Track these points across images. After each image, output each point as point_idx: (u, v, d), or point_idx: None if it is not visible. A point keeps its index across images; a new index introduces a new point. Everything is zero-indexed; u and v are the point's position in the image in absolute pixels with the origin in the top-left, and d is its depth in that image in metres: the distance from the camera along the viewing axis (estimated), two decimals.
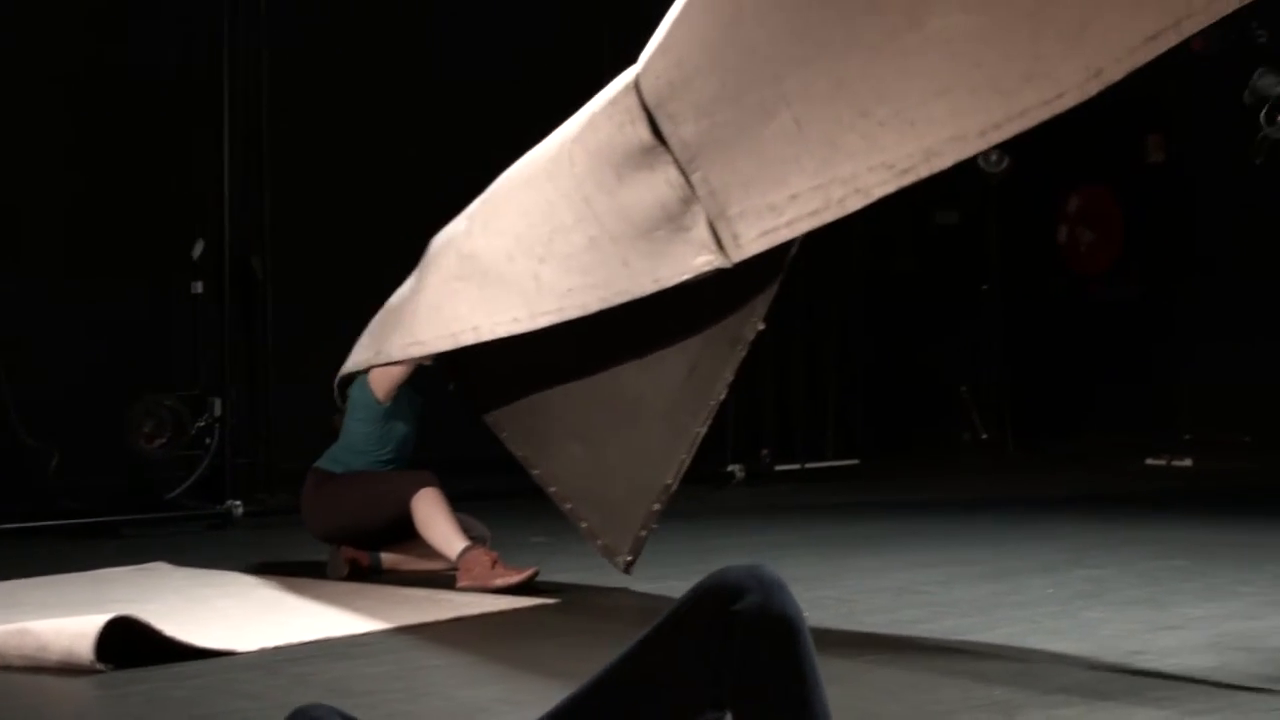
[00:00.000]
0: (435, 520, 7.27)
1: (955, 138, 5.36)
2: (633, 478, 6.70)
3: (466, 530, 7.32)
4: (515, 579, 7.04)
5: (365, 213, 10.36)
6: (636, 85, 5.93)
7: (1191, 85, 13.74)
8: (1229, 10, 4.92)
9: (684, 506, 10.38)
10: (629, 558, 6.81)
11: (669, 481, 6.61)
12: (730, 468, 12.03)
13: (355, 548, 7.60)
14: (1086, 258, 15.28)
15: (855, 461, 13.49)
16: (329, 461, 7.66)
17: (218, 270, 10.11)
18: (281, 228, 10.45)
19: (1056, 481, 12.26)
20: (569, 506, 6.90)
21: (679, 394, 6.58)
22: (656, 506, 6.67)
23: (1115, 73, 5.08)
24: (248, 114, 10.29)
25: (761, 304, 6.39)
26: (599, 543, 6.87)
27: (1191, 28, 4.97)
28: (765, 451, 12.69)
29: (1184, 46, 12.54)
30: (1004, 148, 13.54)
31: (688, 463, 6.60)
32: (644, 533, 6.73)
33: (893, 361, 14.43)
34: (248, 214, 10.27)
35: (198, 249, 10.07)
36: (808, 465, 12.95)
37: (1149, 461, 13.01)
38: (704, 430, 6.57)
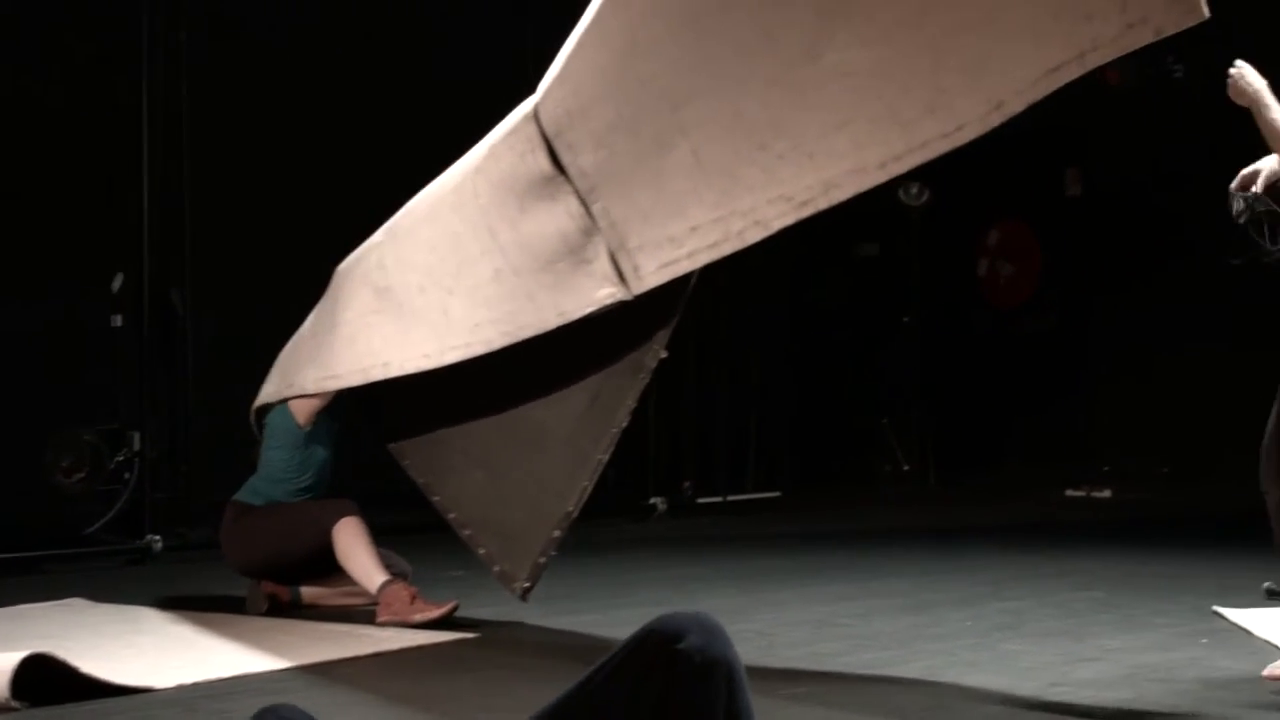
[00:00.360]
0: (356, 551, 7.26)
1: (855, 170, 5.38)
2: (534, 505, 6.72)
3: (387, 565, 7.30)
4: (435, 614, 7.02)
5: (285, 245, 10.33)
6: (536, 114, 5.94)
7: (1109, 118, 13.85)
8: (1135, 46, 4.97)
9: (605, 539, 10.42)
10: (527, 584, 6.81)
11: (570, 509, 6.62)
12: (652, 500, 12.04)
13: (276, 581, 7.56)
14: (1006, 290, 15.37)
15: (777, 494, 13.52)
16: (248, 494, 7.62)
17: (137, 303, 10.05)
18: (201, 261, 10.41)
19: (976, 513, 12.30)
20: (468, 533, 6.92)
21: (581, 422, 6.60)
22: (557, 533, 6.68)
23: (1016, 105, 5.12)
24: (167, 146, 10.25)
25: (663, 332, 6.39)
26: (496, 569, 6.88)
27: (1096, 60, 5.01)
28: (687, 484, 12.72)
29: (1101, 80, 12.70)
30: (924, 181, 13.70)
31: (589, 490, 6.61)
32: (543, 559, 6.74)
33: (814, 394, 14.49)
34: (167, 247, 10.22)
35: (117, 282, 10.02)
36: (730, 498, 12.98)
37: (1068, 493, 13.09)
38: (606, 458, 6.57)
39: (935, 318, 14.69)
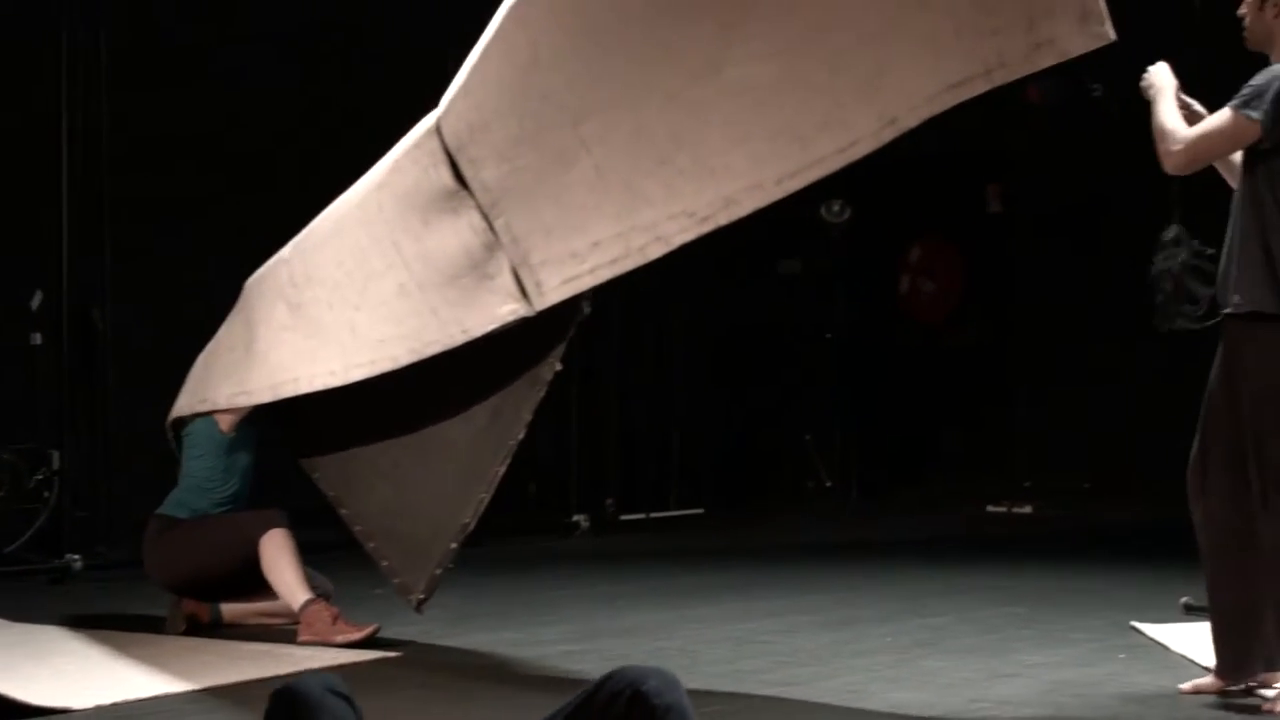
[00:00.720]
0: (281, 565, 7.22)
1: (753, 186, 5.41)
2: (433, 517, 6.74)
3: (310, 584, 7.26)
4: (356, 636, 7.00)
5: (205, 263, 10.25)
6: (438, 128, 5.92)
7: (1029, 136, 13.94)
8: (1041, 66, 5.02)
9: (527, 556, 10.41)
10: (422, 596, 6.83)
11: (467, 520, 6.64)
12: (575, 517, 12.01)
13: (201, 597, 7.50)
14: (928, 307, 15.44)
15: (700, 510, 13.53)
16: (173, 506, 7.56)
17: (56, 321, 9.98)
18: (121, 278, 10.34)
19: (899, 529, 12.36)
20: (372, 545, 6.94)
21: (482, 435, 6.63)
22: (453, 545, 6.70)
23: (910, 120, 5.17)
24: (87, 162, 10.18)
25: (560, 344, 6.41)
26: (396, 581, 6.90)
27: (1003, 77, 5.07)
28: (610, 501, 12.71)
29: (1022, 98, 12.76)
30: (846, 198, 13.74)
31: (486, 501, 6.63)
32: (439, 571, 6.76)
33: (738, 410, 14.51)
34: (87, 264, 10.15)
35: (36, 300, 9.95)
36: (652, 515, 12.98)
37: (990, 508, 13.16)
38: (503, 470, 6.59)
39: (858, 334, 14.72)
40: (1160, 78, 5.51)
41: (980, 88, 5.11)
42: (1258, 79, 5.36)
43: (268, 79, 11.04)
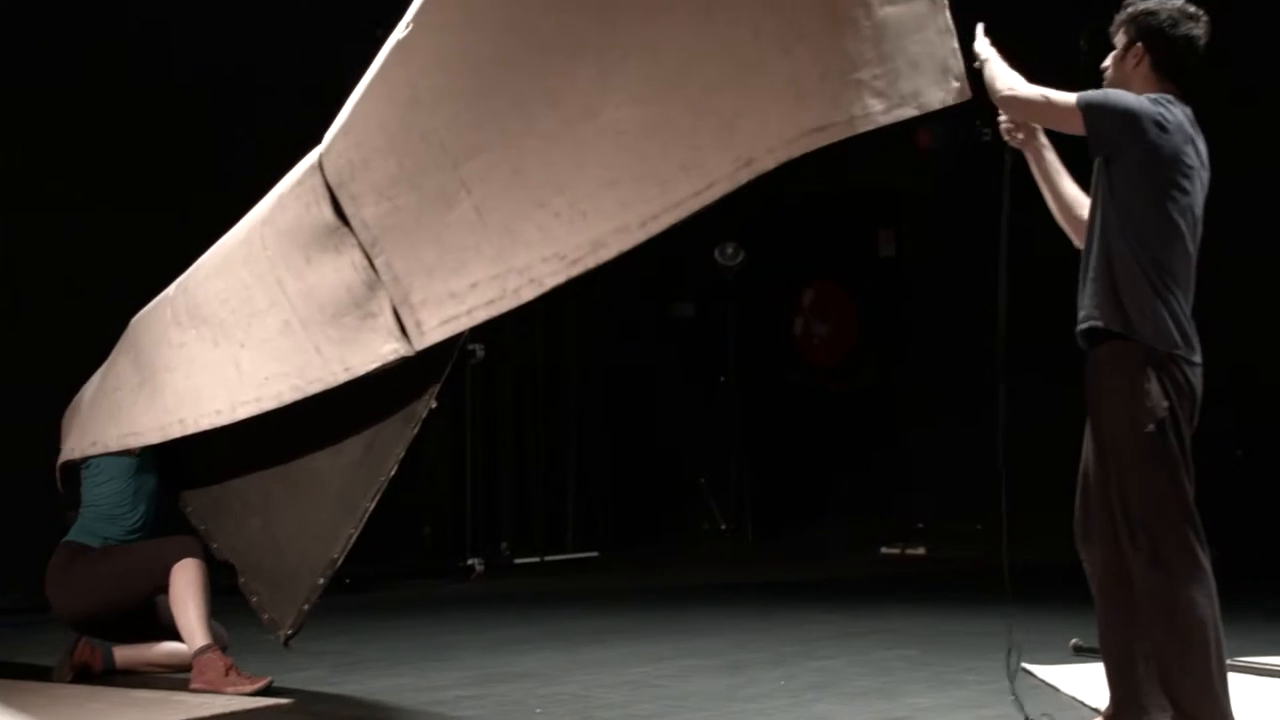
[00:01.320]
0: (188, 599, 7.12)
1: (619, 229, 5.45)
2: (303, 553, 6.75)
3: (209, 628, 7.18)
4: (248, 688, 6.93)
5: (85, 299, 10.14)
6: (320, 165, 5.91)
7: (920, 181, 14.06)
8: (901, 119, 5.09)
9: (422, 600, 10.37)
10: (290, 631, 6.81)
11: (335, 556, 6.65)
12: (470, 561, 12.00)
13: (104, 632, 7.37)
14: (821, 349, 15.54)
15: (595, 554, 13.53)
16: (82, 534, 7.40)
17: None
18: None
19: (793, 571, 12.40)
20: (243, 580, 6.96)
21: (355, 471, 6.64)
22: (321, 581, 6.70)
23: (768, 162, 5.22)
24: None
25: (435, 383, 6.42)
26: (266, 616, 6.89)
27: (866, 125, 5.12)
28: (504, 544, 12.70)
29: (912, 143, 12.88)
30: (740, 242, 13.82)
31: (355, 537, 6.62)
32: (306, 606, 6.76)
33: (633, 453, 14.53)
34: None
35: None
36: (548, 558, 12.97)
37: (884, 550, 13.22)
38: (372, 506, 6.59)
39: (752, 377, 14.79)
40: (984, 48, 5.52)
41: (842, 134, 5.17)
42: (1115, 91, 5.43)
43: (120, 112, 10.94)
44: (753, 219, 13.76)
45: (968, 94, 5.08)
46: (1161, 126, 5.30)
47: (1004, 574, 5.98)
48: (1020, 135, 5.60)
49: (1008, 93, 5.34)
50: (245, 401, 6.28)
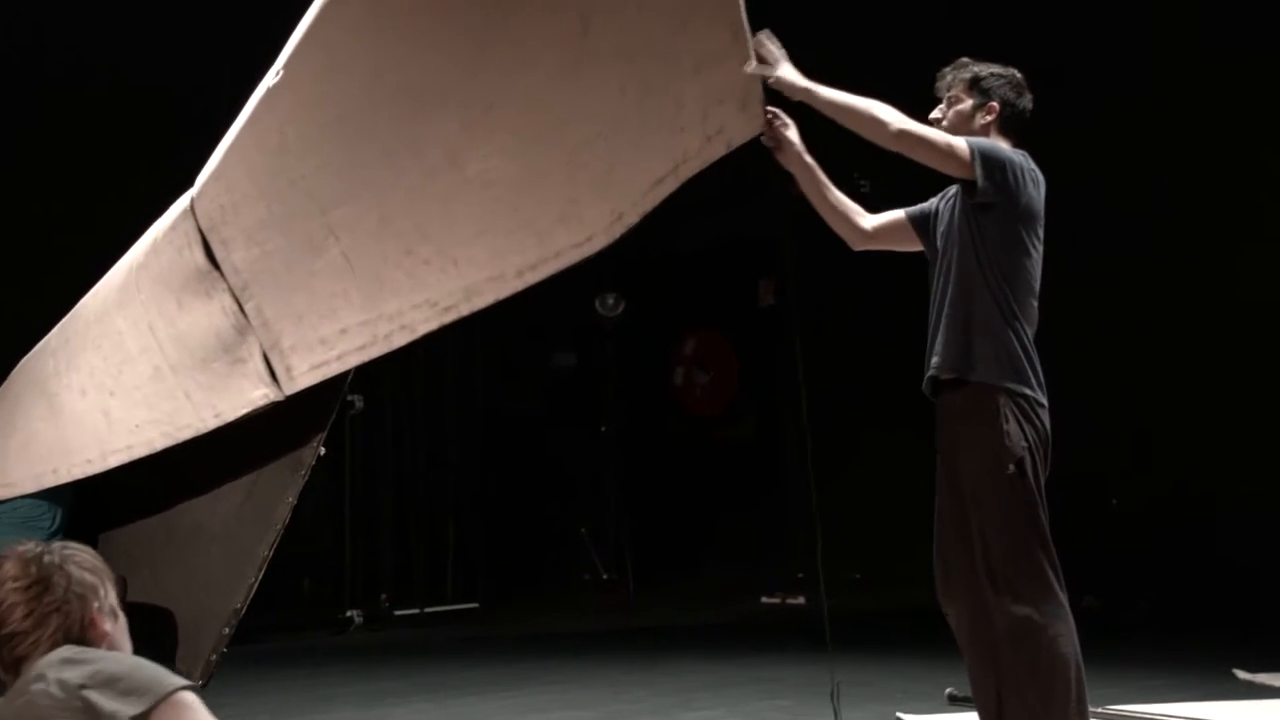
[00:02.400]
0: None
1: (494, 278, 5.49)
2: (199, 604, 6.66)
3: None
4: None
5: None
6: (192, 209, 5.87)
7: (799, 230, 14.14)
8: (715, 158, 5.17)
9: (301, 653, 10.31)
10: (200, 682, 6.74)
11: (238, 605, 6.58)
12: (349, 613, 11.94)
13: None
14: (702, 399, 15.59)
15: (475, 604, 13.50)
16: None
17: None
18: None
19: (674, 620, 12.42)
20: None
21: (239, 519, 6.55)
22: (226, 630, 6.63)
23: (633, 216, 5.29)
24: None
25: (321, 429, 6.38)
26: (176, 666, 6.81)
27: (688, 171, 5.24)
28: (384, 596, 12.65)
29: (794, 193, 12.96)
30: (621, 291, 13.86)
31: (255, 586, 6.56)
32: (214, 657, 6.68)
33: (513, 503, 14.51)
34: None
35: None
36: (427, 609, 12.92)
37: (764, 599, 13.25)
38: (270, 554, 6.53)
39: (633, 427, 14.82)
40: (789, 76, 5.49)
41: (673, 185, 5.27)
42: (995, 143, 5.53)
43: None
44: (633, 269, 13.82)
45: (761, 122, 5.28)
46: (1035, 182, 5.47)
47: (826, 628, 5.99)
48: (782, 153, 5.64)
49: (902, 128, 5.38)
50: (116, 450, 6.22)
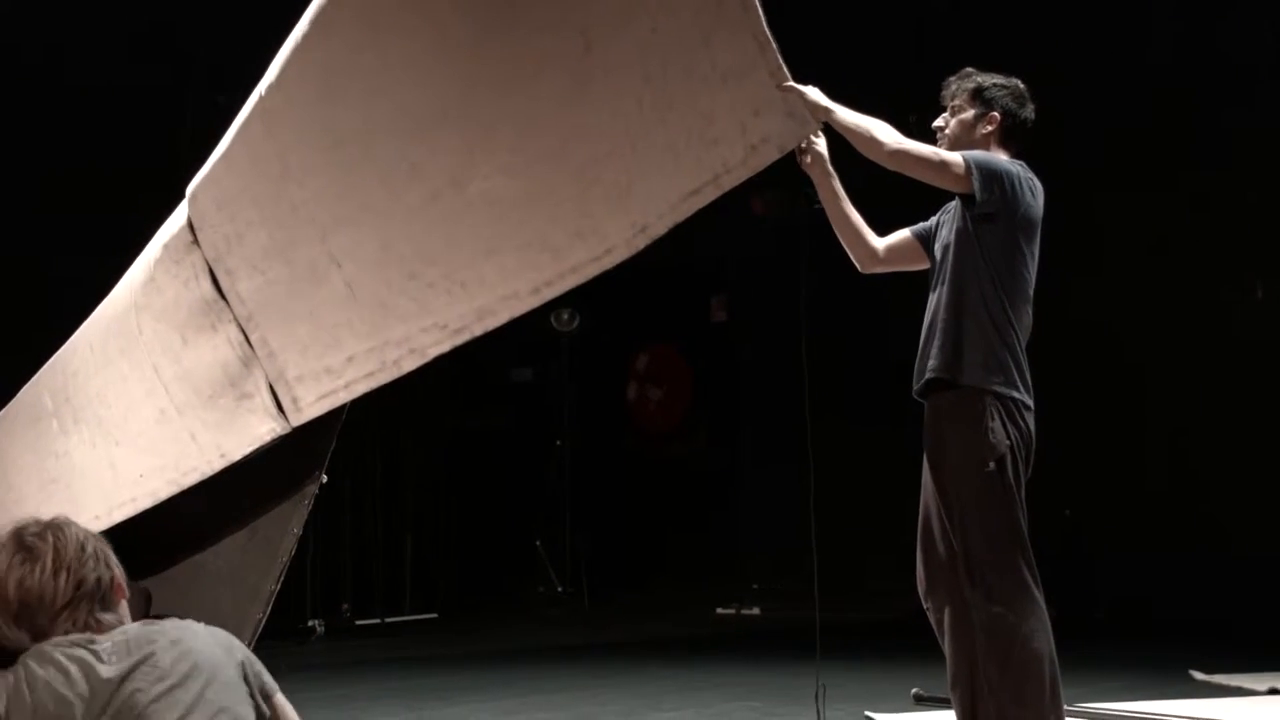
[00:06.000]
0: None
1: (507, 296, 5.45)
2: None
3: None
4: None
5: None
6: (197, 241, 5.82)
7: (753, 247, 14.27)
8: (763, 165, 5.24)
9: (264, 659, 10.32)
10: None
11: (246, 641, 6.55)
12: (310, 623, 11.98)
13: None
14: (655, 414, 15.70)
15: (434, 615, 13.55)
16: None
17: None
18: None
19: (632, 631, 12.50)
20: None
21: (242, 558, 6.43)
22: None
23: (659, 227, 5.33)
24: None
25: (322, 458, 6.31)
26: None
27: (731, 182, 5.25)
28: (345, 606, 12.70)
29: (746, 210, 13.08)
30: (575, 308, 13.96)
31: (263, 621, 6.53)
32: None
33: (470, 516, 14.57)
34: None
35: None
36: (388, 619, 12.98)
37: (719, 610, 13.35)
38: (277, 588, 6.47)
39: (588, 441, 14.91)
40: (816, 95, 5.59)
41: (713, 194, 5.29)
42: (992, 155, 5.68)
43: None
44: (588, 285, 13.86)
45: (816, 128, 5.34)
46: (1032, 191, 5.63)
47: (815, 634, 6.09)
48: (809, 159, 5.75)
49: (897, 147, 5.50)
50: (121, 504, 5.98)
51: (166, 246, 5.94)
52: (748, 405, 15.19)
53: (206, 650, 3.71)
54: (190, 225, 5.85)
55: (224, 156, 5.80)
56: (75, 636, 3.72)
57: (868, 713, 7.45)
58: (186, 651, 3.68)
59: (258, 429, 5.80)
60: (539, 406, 15.05)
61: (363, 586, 13.19)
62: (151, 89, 11.40)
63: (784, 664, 9.91)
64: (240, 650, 3.81)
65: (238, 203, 5.74)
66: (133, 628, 3.77)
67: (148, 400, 5.97)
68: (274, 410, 5.76)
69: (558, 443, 14.70)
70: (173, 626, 3.78)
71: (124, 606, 3.87)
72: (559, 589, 14.28)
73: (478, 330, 5.52)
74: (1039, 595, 5.50)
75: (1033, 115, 5.87)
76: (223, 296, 5.77)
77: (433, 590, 13.96)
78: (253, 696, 3.74)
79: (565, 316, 14.40)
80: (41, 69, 10.98)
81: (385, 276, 5.59)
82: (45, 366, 6.33)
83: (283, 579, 6.43)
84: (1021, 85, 5.89)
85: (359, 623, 12.67)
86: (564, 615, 13.72)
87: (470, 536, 14.49)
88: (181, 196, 5.98)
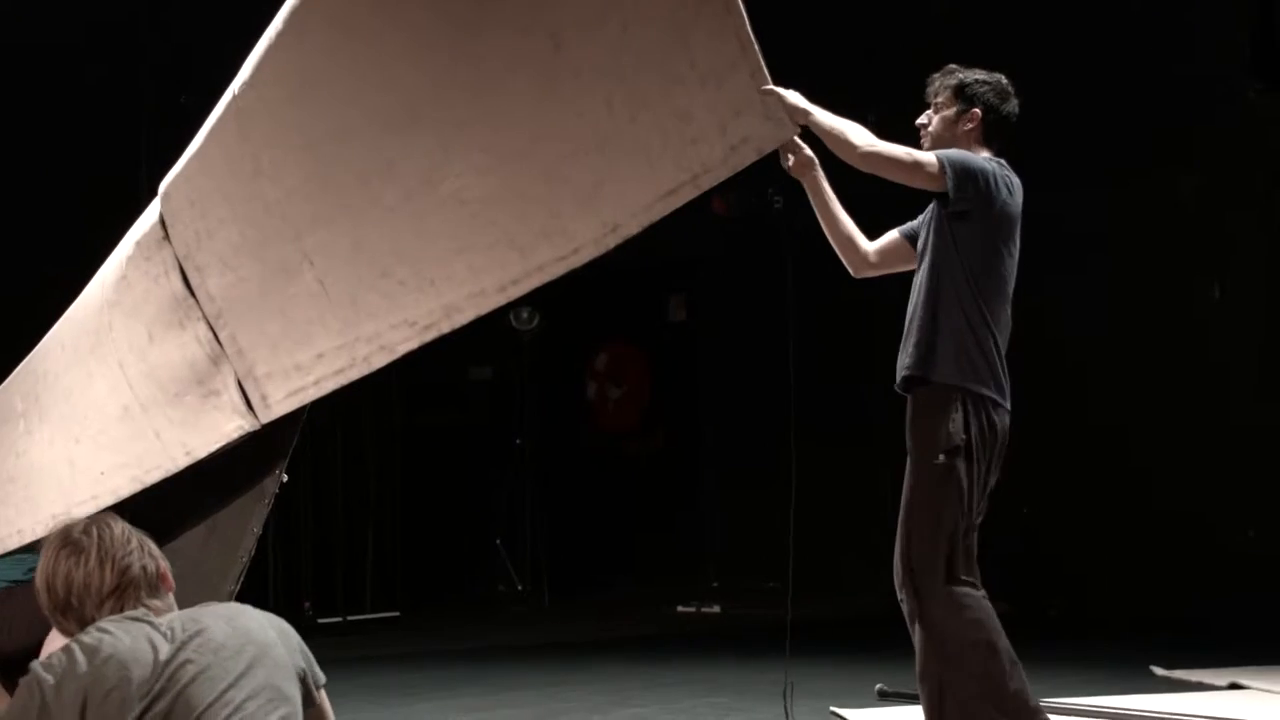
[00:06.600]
0: None
1: (475, 294, 5.51)
2: None
3: None
4: None
5: None
6: (169, 237, 5.84)
7: (712, 246, 14.32)
8: (743, 165, 5.29)
9: None
10: None
11: None
12: None
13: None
14: (615, 413, 15.74)
15: (395, 613, 13.55)
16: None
17: None
18: None
19: (594, 630, 12.52)
20: None
21: (201, 555, 6.41)
22: None
23: (632, 226, 5.38)
24: None
25: (283, 457, 6.21)
26: None
27: (710, 181, 5.31)
28: (307, 604, 12.70)
29: (707, 209, 13.14)
30: (535, 305, 13.99)
31: None
32: None
33: (430, 515, 14.57)
34: None
35: None
36: (349, 617, 12.98)
37: (680, 609, 13.39)
38: (236, 588, 6.46)
39: (547, 440, 14.93)
40: (796, 99, 5.62)
41: (691, 194, 5.34)
42: (967, 153, 5.73)
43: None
44: (547, 284, 13.88)
45: (795, 130, 5.38)
46: (1009, 189, 5.67)
47: (787, 632, 6.14)
48: (792, 161, 5.78)
49: (869, 149, 5.55)
50: (81, 501, 5.91)
51: (138, 243, 5.95)
52: (707, 404, 15.25)
53: (259, 630, 3.82)
54: (162, 221, 5.86)
55: (197, 154, 5.82)
56: (133, 612, 3.83)
57: (833, 708, 7.50)
58: (239, 629, 3.78)
59: (225, 426, 5.80)
60: (499, 405, 15.05)
61: (324, 585, 13.17)
62: (114, 88, 11.39)
63: (746, 661, 9.97)
64: (294, 637, 3.93)
65: (210, 200, 5.76)
66: (187, 610, 3.87)
67: (111, 397, 5.95)
68: (243, 407, 5.76)
69: (517, 441, 14.71)
70: (224, 607, 3.91)
71: (171, 597, 3.96)
72: (519, 587, 14.29)
73: (446, 327, 5.56)
74: (968, 589, 5.57)
75: (1016, 110, 5.92)
76: (192, 294, 5.79)
77: (394, 588, 13.95)
78: (303, 682, 3.83)
79: (525, 315, 14.41)
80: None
81: (357, 274, 5.62)
82: (18, 369, 6.33)
83: (243, 578, 6.45)
84: (1005, 80, 5.93)
85: (321, 620, 12.66)
86: (525, 614, 13.72)
87: (431, 535, 14.47)
88: (145, 198, 6.02)
